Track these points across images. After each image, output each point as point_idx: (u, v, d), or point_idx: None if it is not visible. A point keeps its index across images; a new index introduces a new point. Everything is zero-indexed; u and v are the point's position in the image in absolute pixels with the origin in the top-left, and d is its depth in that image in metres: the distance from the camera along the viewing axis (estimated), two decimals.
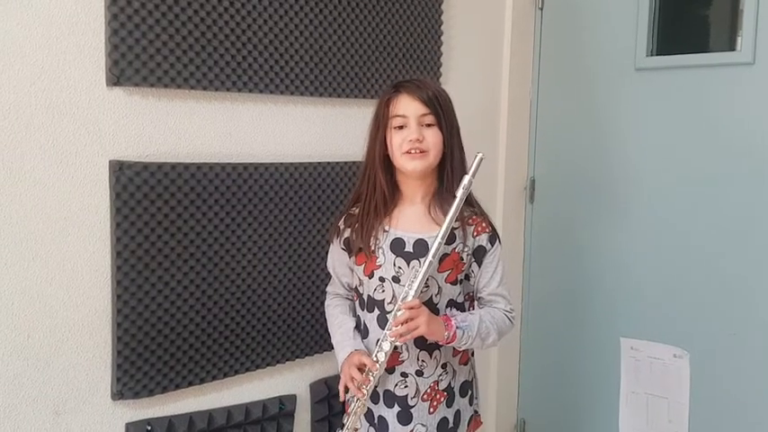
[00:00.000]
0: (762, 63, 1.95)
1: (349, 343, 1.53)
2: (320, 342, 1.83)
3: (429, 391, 1.52)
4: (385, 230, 1.52)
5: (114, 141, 1.45)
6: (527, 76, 2.47)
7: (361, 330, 1.57)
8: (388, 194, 1.52)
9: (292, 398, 1.81)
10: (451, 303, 1.52)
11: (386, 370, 1.49)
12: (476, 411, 1.65)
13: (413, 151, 1.46)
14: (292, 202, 1.74)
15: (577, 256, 2.39)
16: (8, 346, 1.36)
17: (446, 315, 1.48)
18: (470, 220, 1.52)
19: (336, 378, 1.59)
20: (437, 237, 1.41)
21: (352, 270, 1.59)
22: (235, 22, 1.59)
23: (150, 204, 1.48)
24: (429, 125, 1.48)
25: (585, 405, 2.40)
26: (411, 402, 1.51)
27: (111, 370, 1.49)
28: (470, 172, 1.43)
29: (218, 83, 1.57)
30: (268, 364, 1.75)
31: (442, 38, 2.11)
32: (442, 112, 1.48)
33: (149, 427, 1.55)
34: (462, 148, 1.50)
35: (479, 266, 1.53)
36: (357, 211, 1.56)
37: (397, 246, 1.50)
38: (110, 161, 1.44)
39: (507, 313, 1.55)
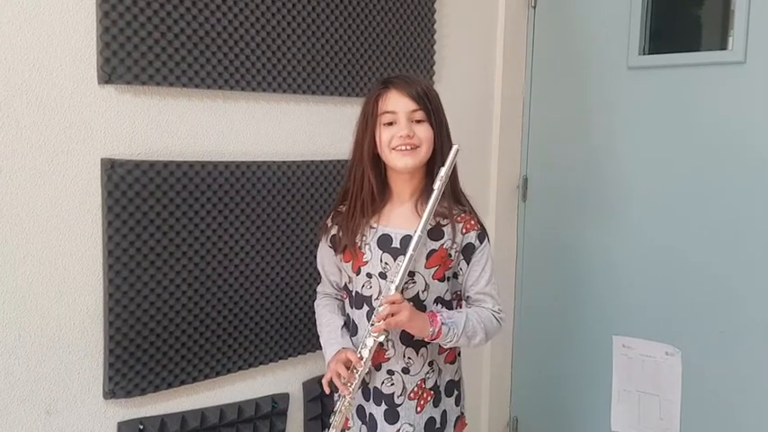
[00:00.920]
0: (753, 62, 1.96)
1: (336, 341, 1.53)
2: (313, 341, 1.82)
3: (416, 389, 1.52)
4: (372, 227, 1.51)
5: (106, 139, 1.45)
6: (520, 75, 2.48)
7: (350, 328, 1.57)
8: (377, 191, 1.51)
9: (285, 396, 1.81)
10: (439, 300, 1.52)
11: (374, 367, 1.49)
12: (462, 413, 1.64)
13: (403, 148, 1.45)
14: (285, 200, 1.74)
15: (570, 254, 2.40)
16: None
17: (432, 311, 1.48)
18: (459, 218, 1.52)
19: None
20: (417, 229, 1.41)
21: (341, 269, 1.59)
22: (227, 19, 1.58)
23: (142, 203, 1.48)
24: (419, 121, 1.47)
25: (578, 403, 2.41)
26: (398, 401, 1.51)
27: (103, 369, 1.49)
28: (447, 163, 1.43)
29: (209, 81, 1.57)
30: (261, 363, 1.75)
31: (435, 36, 2.11)
32: (431, 107, 1.48)
33: (141, 427, 1.54)
34: (451, 144, 1.49)
35: (468, 264, 1.53)
36: (344, 208, 1.55)
37: (384, 242, 1.50)
38: (101, 159, 1.44)
39: (495, 313, 1.53)
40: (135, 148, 1.49)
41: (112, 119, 1.45)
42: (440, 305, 1.52)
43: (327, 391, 1.50)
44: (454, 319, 1.46)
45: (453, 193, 1.52)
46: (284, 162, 1.73)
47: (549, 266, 2.46)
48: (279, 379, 1.81)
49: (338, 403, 1.50)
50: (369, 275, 1.51)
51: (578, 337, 2.38)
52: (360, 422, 1.57)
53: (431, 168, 1.50)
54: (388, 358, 1.50)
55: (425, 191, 1.50)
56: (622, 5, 2.20)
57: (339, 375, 1.45)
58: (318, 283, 1.69)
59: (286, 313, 1.77)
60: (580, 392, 2.39)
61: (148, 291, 1.51)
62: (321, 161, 1.81)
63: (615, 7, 2.22)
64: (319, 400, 1.88)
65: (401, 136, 1.44)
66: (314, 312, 1.69)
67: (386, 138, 1.46)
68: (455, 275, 1.55)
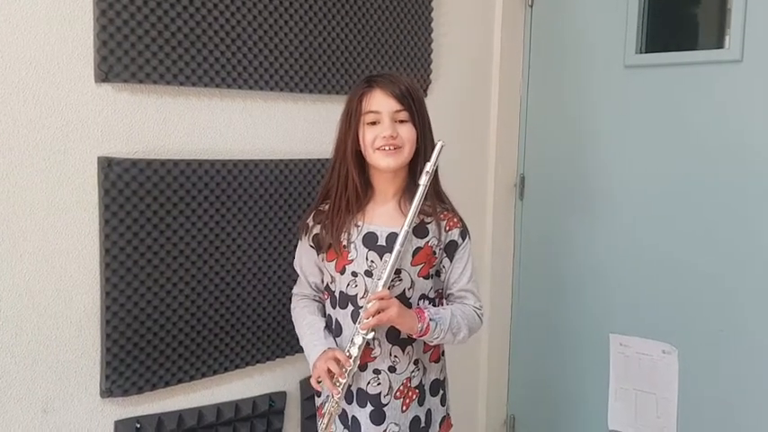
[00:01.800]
0: (749, 61, 1.96)
1: (321, 342, 1.51)
2: None
3: (401, 388, 1.51)
4: (357, 225, 1.51)
5: (103, 138, 1.45)
6: (517, 74, 2.48)
7: (334, 329, 1.56)
8: (361, 190, 1.51)
9: (282, 395, 1.81)
10: (424, 298, 1.52)
11: (359, 368, 1.48)
12: (447, 414, 1.64)
13: (386, 148, 1.45)
14: (282, 198, 1.74)
15: (567, 252, 2.40)
16: None
17: (419, 308, 1.48)
18: (442, 215, 1.52)
19: None
20: (404, 225, 1.41)
21: (321, 269, 1.58)
22: (224, 18, 1.58)
23: (139, 201, 1.48)
24: (402, 121, 1.47)
25: (575, 401, 2.41)
26: (384, 401, 1.50)
27: (100, 367, 1.49)
28: (432, 159, 1.43)
29: (207, 79, 1.57)
30: (258, 361, 1.75)
31: (433, 35, 2.11)
32: (415, 107, 1.47)
33: (138, 425, 1.54)
34: (434, 143, 1.47)
35: (450, 261, 1.54)
36: (327, 207, 1.54)
37: (370, 240, 1.50)
38: (98, 158, 1.44)
39: (477, 310, 1.55)
40: (132, 147, 1.49)
41: (109, 117, 1.45)
42: (426, 302, 1.52)
43: (318, 388, 1.49)
44: (440, 315, 1.47)
45: (435, 191, 1.53)
46: (281, 160, 1.73)
47: (547, 265, 2.47)
48: (276, 377, 1.81)
49: (326, 405, 1.49)
50: (354, 274, 1.50)
51: (575, 335, 2.39)
52: (342, 426, 1.55)
53: (414, 167, 1.50)
54: (375, 357, 1.50)
55: (408, 189, 1.50)
56: (619, 4, 2.20)
57: (329, 372, 1.43)
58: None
59: (283, 312, 1.77)
60: (577, 391, 2.40)
61: (145, 289, 1.51)
62: (318, 159, 1.81)
63: (612, 6, 2.22)
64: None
65: (384, 137, 1.44)
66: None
67: (369, 138, 1.46)
68: (438, 273, 1.55)
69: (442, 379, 1.61)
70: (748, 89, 1.97)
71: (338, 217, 1.51)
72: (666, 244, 2.15)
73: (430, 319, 1.44)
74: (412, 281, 1.49)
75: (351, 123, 1.48)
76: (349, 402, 1.53)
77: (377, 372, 1.50)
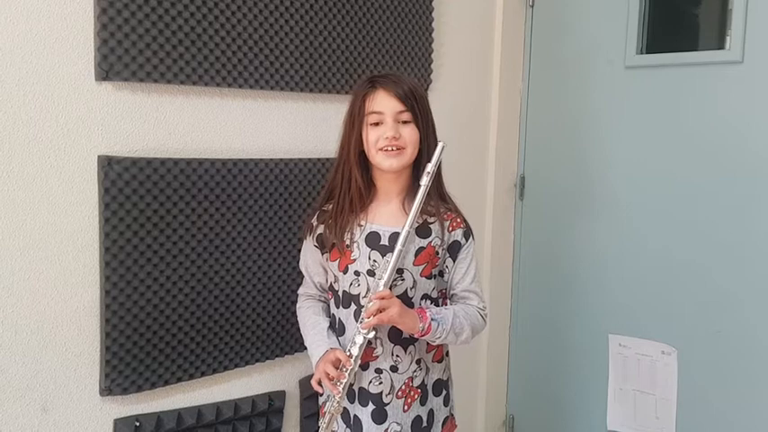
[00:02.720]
0: (750, 62, 1.96)
1: (324, 342, 1.52)
2: None
3: (403, 387, 1.51)
4: (360, 225, 1.51)
5: (103, 136, 1.45)
6: (517, 74, 2.48)
7: (337, 329, 1.56)
8: (364, 190, 1.51)
9: (281, 394, 1.81)
10: (426, 298, 1.52)
11: (360, 367, 1.48)
12: (451, 414, 1.64)
13: (389, 149, 1.45)
14: (282, 198, 1.74)
15: (566, 252, 2.40)
16: None
17: (421, 308, 1.48)
18: (446, 215, 1.52)
19: None
20: (405, 225, 1.41)
21: (325, 269, 1.58)
22: (224, 17, 1.58)
23: (139, 200, 1.48)
24: (405, 122, 1.47)
25: (574, 401, 2.41)
26: (386, 400, 1.51)
27: (100, 366, 1.49)
28: (433, 159, 1.43)
29: (207, 78, 1.57)
30: (257, 361, 1.75)
31: (433, 34, 2.11)
32: (418, 108, 1.47)
33: (138, 423, 1.54)
34: (437, 143, 1.48)
35: (454, 262, 1.54)
36: (330, 207, 1.54)
37: (373, 239, 1.50)
38: (98, 156, 1.44)
39: (480, 311, 1.54)
40: (132, 145, 1.49)
41: (109, 116, 1.45)
42: (428, 302, 1.52)
43: (320, 390, 1.50)
44: (442, 315, 1.46)
45: (439, 191, 1.53)
46: (281, 159, 1.73)
47: (546, 265, 2.47)
48: (275, 376, 1.81)
49: (327, 404, 1.49)
50: (356, 273, 1.50)
51: (575, 335, 2.39)
52: (344, 425, 1.56)
53: (417, 168, 1.50)
54: (377, 356, 1.50)
55: (412, 189, 1.51)
56: (620, 5, 2.20)
57: (328, 375, 1.44)
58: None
59: (283, 311, 1.77)
60: (576, 391, 2.40)
61: (145, 288, 1.51)
62: (318, 159, 1.81)
63: (613, 6, 2.22)
64: (315, 398, 1.87)
65: (387, 137, 1.44)
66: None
67: (372, 138, 1.46)
68: (441, 273, 1.55)
69: (445, 379, 1.61)
70: (749, 90, 1.97)
71: (341, 217, 1.51)
72: (666, 245, 2.15)
73: (432, 319, 1.44)
74: (414, 281, 1.50)
75: (354, 124, 1.49)
76: (351, 401, 1.53)
77: (378, 371, 1.50)
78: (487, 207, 2.43)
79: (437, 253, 1.51)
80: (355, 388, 1.52)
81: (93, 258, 1.46)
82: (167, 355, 1.57)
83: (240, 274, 1.68)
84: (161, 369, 1.56)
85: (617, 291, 2.27)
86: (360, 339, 1.42)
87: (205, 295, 1.62)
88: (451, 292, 1.56)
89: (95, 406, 1.50)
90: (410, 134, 1.47)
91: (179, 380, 1.60)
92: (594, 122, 2.31)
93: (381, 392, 1.51)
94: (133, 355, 1.51)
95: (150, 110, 1.51)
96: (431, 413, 1.57)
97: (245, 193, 1.66)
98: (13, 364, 1.37)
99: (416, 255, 1.49)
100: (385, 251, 1.48)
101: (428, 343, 1.52)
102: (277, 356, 1.79)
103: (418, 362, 1.53)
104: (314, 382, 1.50)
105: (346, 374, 1.43)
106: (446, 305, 1.57)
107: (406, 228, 1.41)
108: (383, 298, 1.39)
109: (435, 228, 1.51)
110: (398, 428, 1.51)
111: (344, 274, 1.52)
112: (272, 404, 1.78)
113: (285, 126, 1.77)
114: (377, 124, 1.46)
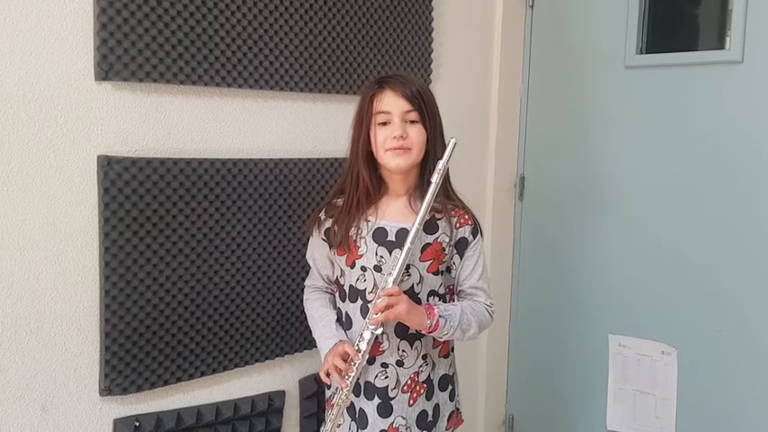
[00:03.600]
0: (750, 61, 1.96)
1: (332, 334, 1.54)
2: (309, 338, 1.81)
3: (409, 382, 1.53)
4: (368, 221, 1.52)
5: (103, 136, 1.45)
6: (517, 74, 2.48)
7: (344, 322, 1.58)
8: (372, 189, 1.52)
9: (281, 394, 1.81)
10: (433, 294, 1.53)
11: (367, 361, 1.49)
12: (457, 408, 1.65)
13: (396, 149, 1.46)
14: (282, 198, 1.74)
15: (566, 252, 2.40)
16: None
17: (429, 304, 1.49)
18: (453, 212, 1.53)
19: None
20: (415, 222, 1.42)
21: (332, 262, 1.60)
22: (224, 17, 1.58)
23: (139, 200, 1.48)
24: (413, 122, 1.48)
25: (574, 401, 2.41)
26: (391, 394, 1.52)
27: (99, 366, 1.49)
28: (444, 157, 1.44)
29: (207, 78, 1.57)
30: (257, 360, 1.75)
31: (433, 34, 2.10)
32: (425, 108, 1.48)
33: (137, 423, 1.54)
34: (445, 144, 1.49)
35: (461, 258, 1.55)
36: (340, 202, 1.56)
37: (380, 235, 1.51)
38: (98, 156, 1.44)
39: (488, 307, 1.56)
40: (132, 145, 1.49)
41: (109, 115, 1.45)
42: (436, 298, 1.53)
43: (327, 381, 1.51)
44: (450, 312, 1.47)
45: (444, 188, 1.53)
46: (281, 159, 1.73)
47: (546, 265, 2.47)
48: (275, 376, 1.81)
49: (335, 397, 1.50)
50: (363, 269, 1.52)
51: (574, 335, 2.39)
52: (349, 419, 1.57)
53: (425, 167, 1.51)
54: (383, 351, 1.51)
55: (419, 187, 1.52)
56: (620, 5, 2.20)
57: (337, 368, 1.46)
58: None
59: (282, 311, 1.77)
60: (576, 391, 2.40)
61: (145, 288, 1.51)
62: (318, 158, 1.81)
63: (613, 7, 2.22)
64: (316, 398, 1.88)
65: (394, 137, 1.46)
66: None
67: (380, 138, 1.48)
68: (448, 270, 1.56)
69: (451, 374, 1.62)
70: (749, 90, 1.97)
71: (349, 214, 1.52)
72: (666, 245, 2.15)
73: (440, 316, 1.45)
74: (421, 276, 1.50)
75: (362, 124, 1.50)
76: (356, 395, 1.54)
77: (384, 365, 1.52)
78: (487, 207, 2.43)
79: (444, 249, 1.52)
80: (361, 382, 1.53)
81: (92, 258, 1.46)
82: (167, 355, 1.57)
83: (240, 274, 1.68)
84: (161, 369, 1.56)
85: (616, 291, 2.27)
86: (368, 335, 1.44)
87: (205, 295, 1.62)
88: (459, 288, 1.57)
89: (95, 406, 1.50)
90: (417, 134, 1.48)
91: (179, 380, 1.60)
92: (594, 123, 2.31)
93: (387, 386, 1.52)
94: (133, 355, 1.51)
95: (150, 110, 1.51)
96: (437, 408, 1.58)
97: (245, 193, 1.66)
98: (12, 364, 1.37)
99: (423, 251, 1.50)
100: (392, 247, 1.49)
101: (435, 339, 1.53)
102: (277, 356, 1.78)
103: (424, 357, 1.54)
104: (322, 374, 1.51)
105: (354, 368, 1.45)
106: (453, 301, 1.57)
107: (416, 225, 1.42)
108: (391, 295, 1.40)
109: (442, 224, 1.52)
110: (403, 422, 1.52)
111: (351, 269, 1.53)
112: (271, 404, 1.78)
113: (285, 126, 1.77)
114: (384, 124, 1.48)
